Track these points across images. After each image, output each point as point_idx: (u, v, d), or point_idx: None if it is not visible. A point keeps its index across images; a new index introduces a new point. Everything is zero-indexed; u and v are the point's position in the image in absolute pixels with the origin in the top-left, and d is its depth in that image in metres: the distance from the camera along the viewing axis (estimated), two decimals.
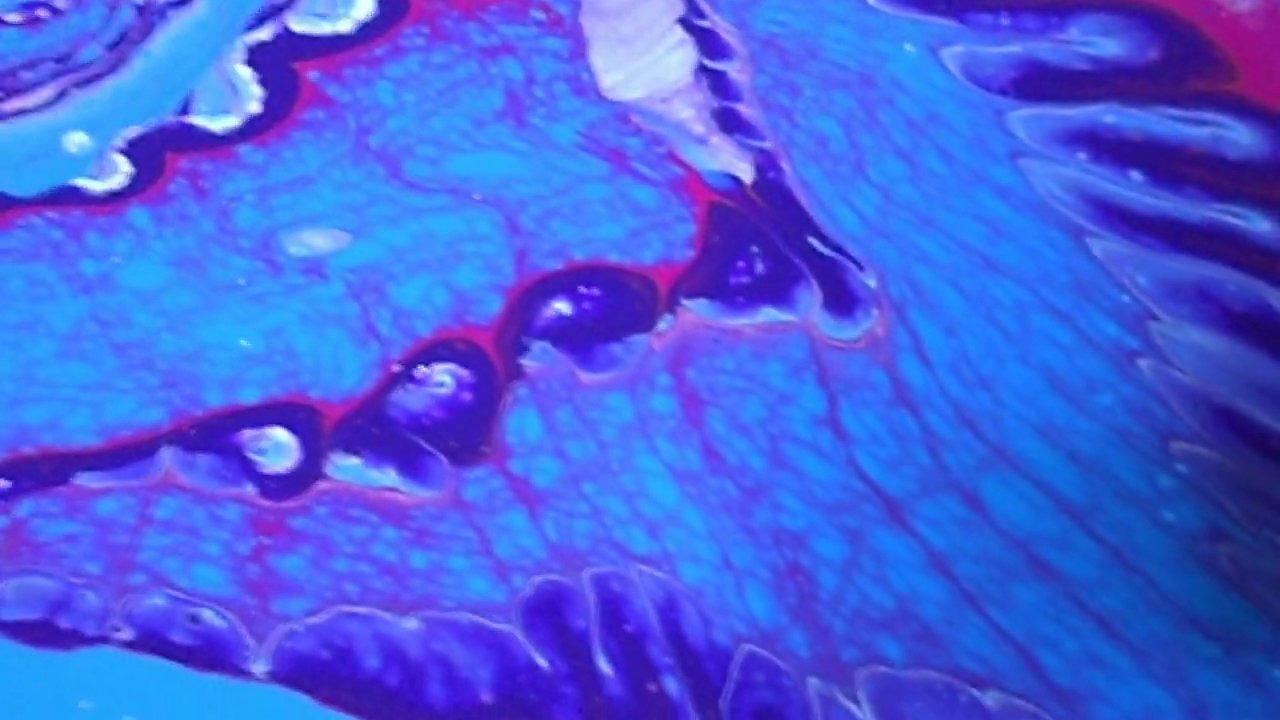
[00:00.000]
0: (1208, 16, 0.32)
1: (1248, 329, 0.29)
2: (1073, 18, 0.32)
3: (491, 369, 0.29)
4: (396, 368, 0.29)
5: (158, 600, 0.26)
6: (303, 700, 0.25)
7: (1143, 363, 0.28)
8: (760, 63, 0.32)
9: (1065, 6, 0.32)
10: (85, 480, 0.28)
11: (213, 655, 0.25)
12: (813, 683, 0.25)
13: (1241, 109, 0.30)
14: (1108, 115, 0.31)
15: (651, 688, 0.25)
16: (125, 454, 0.28)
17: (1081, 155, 0.30)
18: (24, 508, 0.27)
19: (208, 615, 0.26)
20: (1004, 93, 0.31)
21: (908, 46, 0.32)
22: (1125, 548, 0.26)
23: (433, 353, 0.29)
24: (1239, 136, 0.30)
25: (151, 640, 0.26)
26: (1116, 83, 0.31)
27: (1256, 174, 0.30)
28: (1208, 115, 0.30)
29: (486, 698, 0.25)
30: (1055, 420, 0.28)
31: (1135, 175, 0.30)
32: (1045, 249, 0.30)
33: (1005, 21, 0.32)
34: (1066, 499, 0.27)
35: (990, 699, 0.25)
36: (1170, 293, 0.29)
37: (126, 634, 0.26)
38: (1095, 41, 0.32)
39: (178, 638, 0.26)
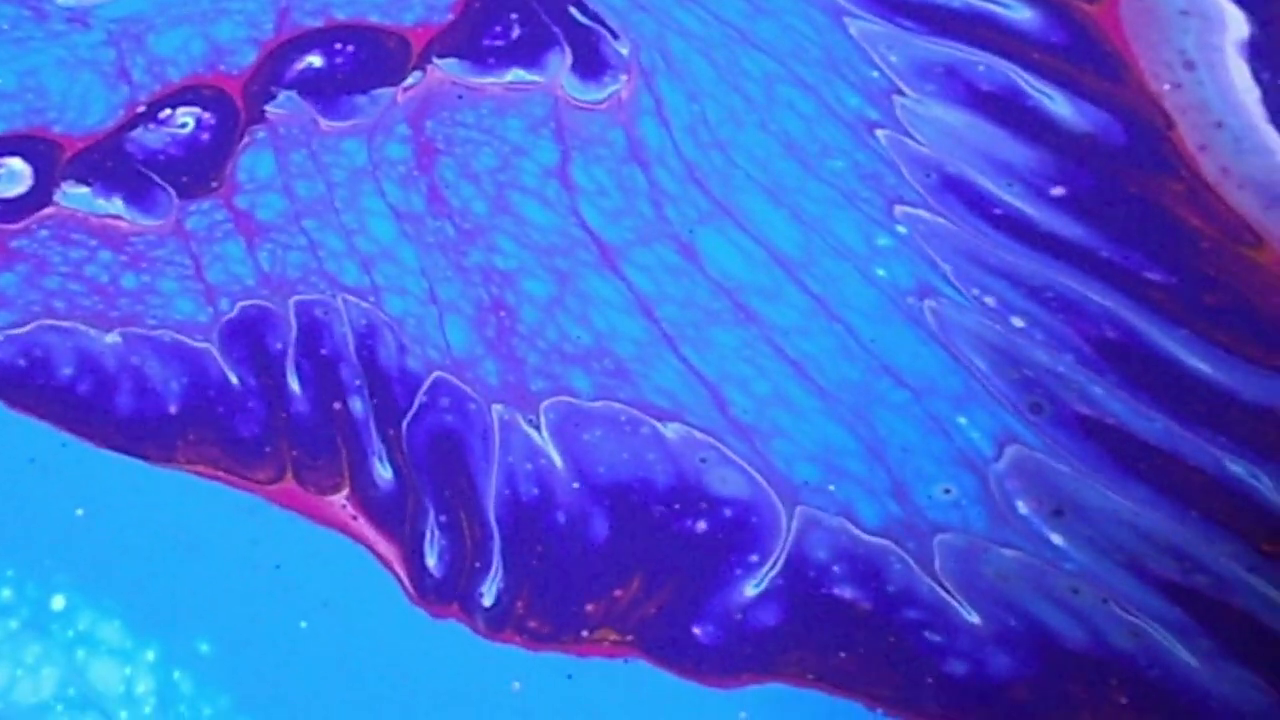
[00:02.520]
0: None
1: (990, 106, 0.28)
2: None
3: (234, 113, 0.29)
4: (142, 106, 0.29)
5: None
6: None
7: (881, 133, 0.28)
8: None
9: None
10: None
11: None
12: (497, 409, 0.25)
13: None
14: None
15: (337, 406, 0.25)
16: None
17: None
18: None
19: None
20: None
21: None
22: (831, 299, 0.26)
23: (180, 97, 0.29)
24: None
25: None
26: None
27: None
28: None
29: (173, 408, 0.25)
30: (784, 181, 0.27)
31: None
32: (802, 26, 0.29)
33: None
34: (781, 253, 0.27)
35: (671, 430, 0.25)
36: (919, 70, 0.29)
37: None
38: None
39: None
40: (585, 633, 0.22)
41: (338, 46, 0.29)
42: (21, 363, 0.26)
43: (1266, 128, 0.28)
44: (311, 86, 0.29)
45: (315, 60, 0.29)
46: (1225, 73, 0.29)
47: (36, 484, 0.24)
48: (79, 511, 0.24)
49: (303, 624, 0.23)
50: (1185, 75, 0.29)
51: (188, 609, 0.23)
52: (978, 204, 0.27)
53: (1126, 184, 0.27)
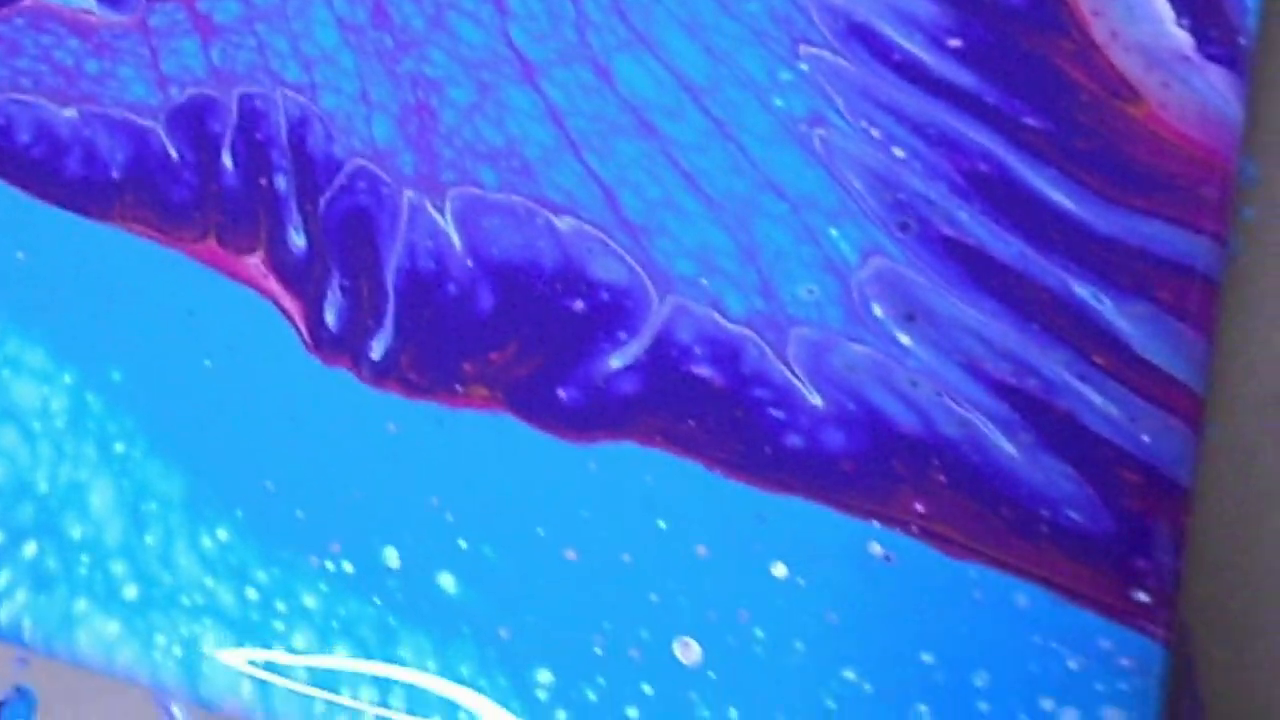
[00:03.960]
0: None
1: None
2: None
3: None
4: None
5: None
6: None
7: None
8: None
9: None
10: None
11: None
12: (408, 194, 0.27)
13: None
14: None
15: (263, 182, 0.27)
16: None
17: None
18: None
19: None
20: None
21: None
22: (729, 122, 0.28)
23: None
24: None
25: None
26: None
27: None
28: None
29: (116, 175, 0.27)
30: (701, 18, 0.29)
31: None
32: None
33: None
34: (689, 79, 0.28)
35: (564, 223, 0.27)
36: None
37: None
38: None
39: None
40: (459, 387, 0.24)
41: None
42: None
43: (1160, 1, 0.29)
44: None
45: None
46: None
47: None
48: (20, 255, 0.26)
49: (207, 362, 0.25)
50: None
51: (105, 343, 0.25)
52: (878, 49, 0.28)
53: (1020, 40, 0.28)
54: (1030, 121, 0.28)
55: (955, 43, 0.29)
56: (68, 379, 0.25)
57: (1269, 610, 0.26)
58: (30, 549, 0.23)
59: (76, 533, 0.23)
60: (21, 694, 0.37)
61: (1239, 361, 0.29)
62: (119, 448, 0.23)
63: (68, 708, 0.37)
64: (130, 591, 0.23)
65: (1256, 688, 0.25)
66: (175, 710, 0.36)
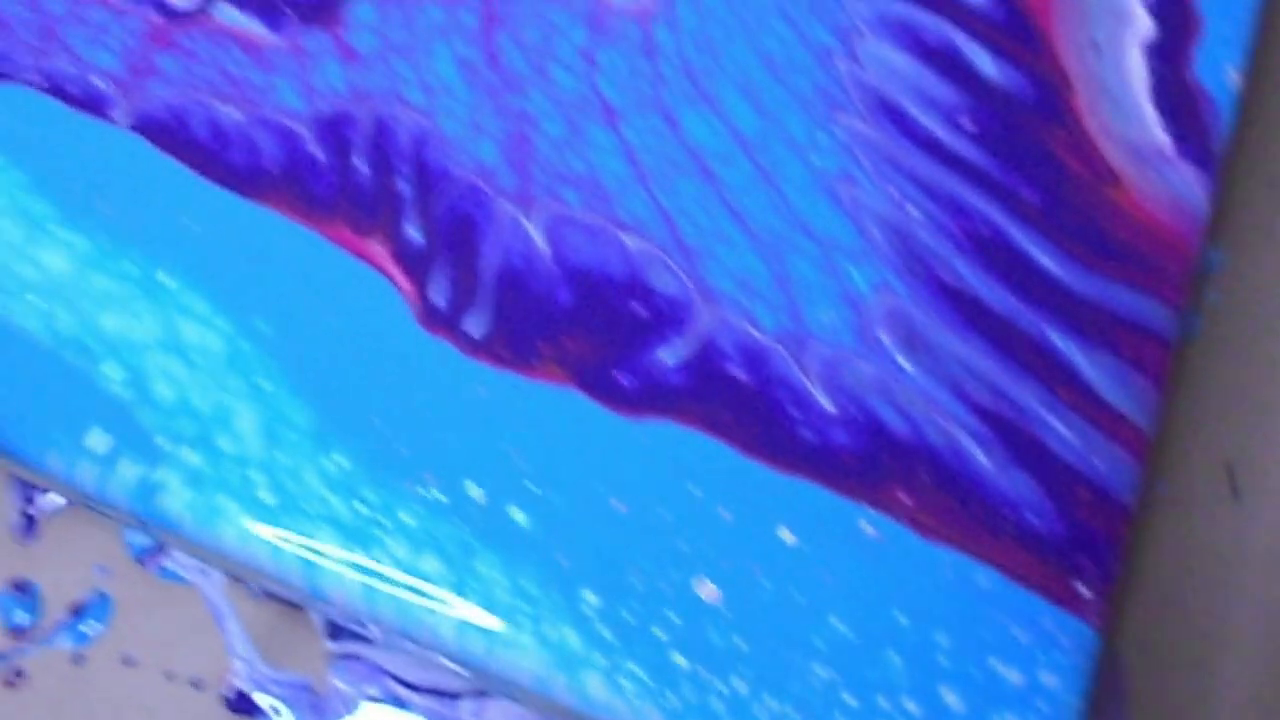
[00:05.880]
0: None
1: (931, 56, 0.35)
2: None
3: None
4: None
5: (65, 65, 0.35)
6: (146, 145, 0.33)
7: (839, 62, 0.35)
8: None
9: None
10: None
11: (93, 105, 0.34)
12: (506, 205, 0.32)
13: None
14: None
15: (388, 184, 0.33)
16: None
17: None
18: None
19: (96, 81, 0.34)
20: None
21: None
22: (773, 172, 0.33)
23: None
24: None
25: (53, 87, 0.34)
26: None
27: None
28: None
29: (271, 167, 0.33)
30: (756, 84, 0.34)
31: None
32: None
33: None
34: (742, 133, 0.34)
35: (631, 241, 0.32)
36: (880, 21, 0.36)
37: (36, 79, 0.34)
38: None
39: (72, 89, 0.34)
40: (537, 364, 0.30)
41: None
42: (168, 119, 0.34)
43: (1147, 104, 0.34)
44: None
45: None
46: (1124, 59, 0.35)
47: (166, 200, 0.32)
48: (190, 223, 0.32)
49: (334, 324, 0.30)
50: (1091, 56, 0.35)
51: (255, 298, 0.30)
52: (902, 124, 0.34)
53: (1024, 128, 0.34)
54: (1026, 195, 0.33)
55: (969, 125, 0.34)
56: (225, 325, 0.30)
57: (1196, 644, 0.31)
58: (189, 454, 0.28)
59: (225, 445, 0.28)
60: (101, 598, 0.42)
61: (1192, 423, 0.34)
62: (263, 384, 0.29)
63: (140, 613, 0.42)
64: (266, 498, 0.28)
65: (1183, 712, 0.30)
66: (230, 624, 0.41)
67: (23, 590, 0.43)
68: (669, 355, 0.30)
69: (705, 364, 0.30)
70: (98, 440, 0.29)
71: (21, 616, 0.42)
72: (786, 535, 0.28)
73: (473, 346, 0.30)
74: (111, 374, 0.30)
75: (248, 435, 0.29)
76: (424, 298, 0.31)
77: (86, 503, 0.31)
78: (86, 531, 0.42)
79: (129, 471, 0.29)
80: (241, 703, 0.40)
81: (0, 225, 0.33)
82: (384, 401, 0.29)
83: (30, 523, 0.43)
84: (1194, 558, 0.31)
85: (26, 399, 0.30)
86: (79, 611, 0.42)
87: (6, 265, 0.32)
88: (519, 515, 0.28)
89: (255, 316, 0.31)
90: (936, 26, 0.36)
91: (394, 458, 0.29)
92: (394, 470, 0.29)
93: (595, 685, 0.28)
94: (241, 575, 0.34)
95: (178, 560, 0.42)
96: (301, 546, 0.28)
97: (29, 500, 0.43)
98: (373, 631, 0.31)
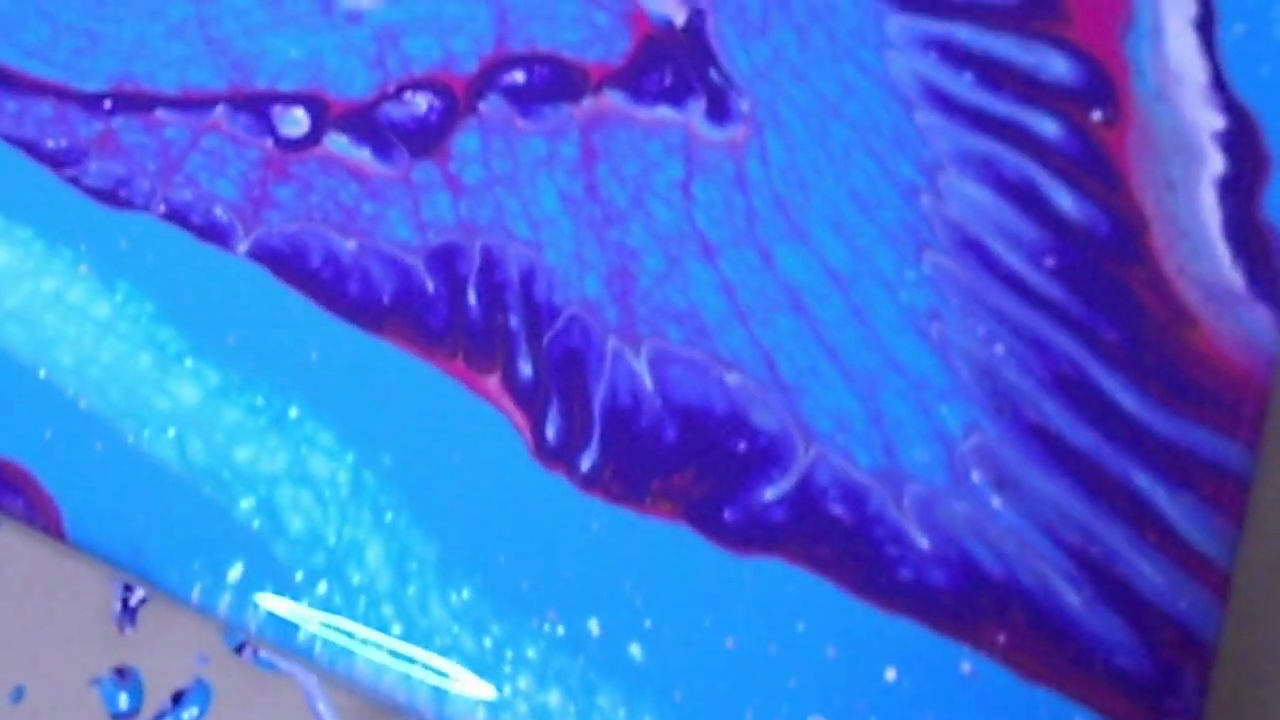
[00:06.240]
0: None
1: (1011, 192, 0.37)
2: None
3: (456, 103, 0.38)
4: (391, 89, 0.39)
5: (188, 194, 0.36)
6: (266, 275, 0.35)
7: (924, 198, 0.36)
8: None
9: None
10: (161, 113, 0.38)
11: (214, 235, 0.35)
12: (611, 341, 0.34)
13: (1065, 47, 0.38)
14: (963, 32, 0.39)
15: (499, 318, 0.34)
16: (192, 103, 0.38)
17: (933, 55, 0.39)
18: (116, 122, 0.38)
19: (217, 210, 0.36)
20: (889, 2, 0.40)
21: None
22: (865, 309, 0.34)
23: (419, 85, 0.39)
24: (1055, 65, 0.38)
25: (177, 216, 0.36)
26: (977, 11, 0.39)
27: (1057, 94, 0.38)
28: (1037, 46, 0.39)
29: (385, 298, 0.34)
30: (846, 220, 0.36)
31: (967, 76, 0.38)
32: (880, 111, 0.38)
33: None
34: (835, 269, 0.35)
35: (732, 378, 0.33)
36: (962, 157, 0.37)
37: (162, 209, 0.36)
38: None
39: (194, 218, 0.36)
40: (648, 500, 0.31)
41: (536, 68, 0.39)
42: (287, 250, 0.35)
43: (1220, 242, 0.36)
44: (514, 93, 0.39)
45: (519, 76, 0.39)
46: (1198, 196, 0.37)
47: (290, 332, 0.34)
48: (313, 355, 0.33)
49: (456, 457, 0.31)
50: (1166, 194, 0.37)
51: (378, 431, 0.32)
52: (987, 261, 0.35)
53: (1103, 266, 0.35)
54: (1107, 334, 0.34)
55: (1050, 262, 0.35)
56: (350, 458, 0.31)
57: None
58: (322, 587, 0.30)
59: (356, 579, 0.30)
60: (200, 686, 0.44)
61: (1264, 547, 0.35)
62: (388, 516, 0.30)
63: (237, 701, 0.43)
64: (396, 630, 0.29)
65: None
66: (322, 709, 0.42)
67: (125, 677, 0.44)
68: (772, 492, 0.32)
69: (806, 501, 0.32)
70: (236, 573, 0.31)
71: (125, 702, 0.43)
72: (890, 674, 0.29)
73: (586, 482, 0.32)
74: (246, 506, 0.32)
75: (376, 567, 0.31)
76: (538, 432, 0.33)
77: (225, 626, 0.33)
78: (186, 620, 0.44)
79: (265, 603, 0.31)
80: None
81: (133, 355, 0.34)
82: (504, 535, 0.31)
83: (131, 612, 0.45)
84: (1268, 670, 0.32)
85: (168, 531, 0.31)
86: (179, 699, 0.43)
87: (141, 396, 0.34)
88: (636, 650, 0.30)
89: (379, 449, 0.32)
90: (1016, 162, 0.37)
91: (516, 591, 0.31)
92: (517, 604, 0.30)
93: None
94: (370, 701, 0.36)
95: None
96: (431, 677, 0.30)
97: (129, 589, 0.44)
98: None
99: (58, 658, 0.42)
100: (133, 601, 0.44)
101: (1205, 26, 0.39)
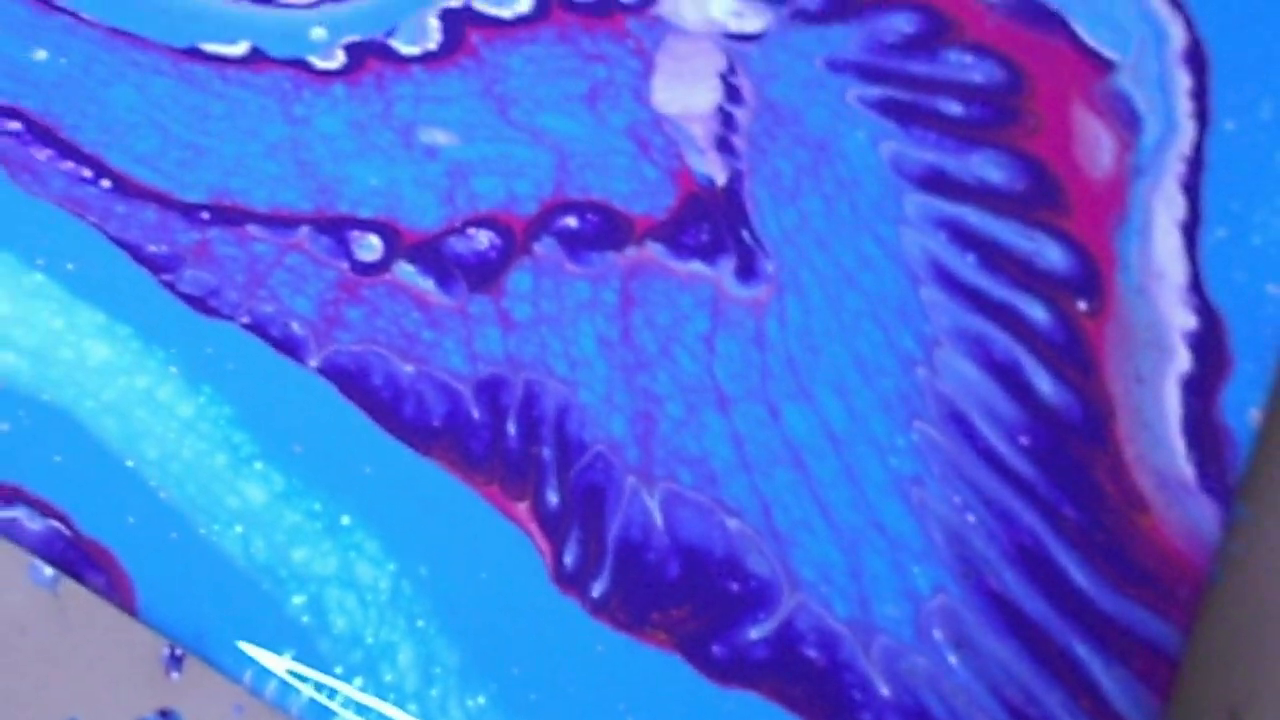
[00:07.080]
0: (1071, 172, 0.44)
1: (998, 372, 0.41)
2: (978, 149, 0.45)
3: (514, 243, 0.43)
4: (458, 223, 0.43)
5: (269, 308, 0.41)
6: (332, 390, 0.39)
7: (920, 370, 0.40)
8: (759, 113, 0.46)
9: (976, 140, 0.45)
10: (252, 229, 0.43)
11: (290, 348, 0.40)
12: (630, 479, 0.38)
13: (1062, 237, 0.42)
14: (972, 216, 0.43)
15: (534, 450, 0.39)
16: (280, 221, 0.43)
17: (943, 235, 0.43)
18: (212, 232, 0.43)
19: (294, 326, 0.41)
20: (910, 180, 0.44)
21: (859, 133, 0.45)
22: (857, 470, 0.39)
23: (483, 222, 0.43)
24: (1050, 254, 0.42)
25: (259, 328, 0.41)
26: (987, 197, 0.44)
27: (1050, 281, 0.42)
28: (1037, 235, 0.43)
29: (437, 423, 0.39)
30: (848, 383, 0.40)
31: (971, 257, 0.42)
32: (890, 284, 0.42)
33: (932, 139, 0.45)
34: (833, 429, 0.39)
35: (732, 524, 0.37)
36: (958, 334, 0.41)
37: (246, 319, 0.41)
38: (987, 169, 0.44)
39: (273, 331, 0.41)
40: (649, 629, 0.35)
41: (588, 216, 0.44)
42: (353, 368, 0.40)
43: (1178, 437, 0.40)
44: (565, 237, 0.43)
45: (572, 221, 0.43)
46: (1163, 392, 0.41)
47: (348, 444, 0.38)
48: (368, 469, 0.38)
49: (483, 575, 0.36)
50: (1135, 386, 0.41)
51: (419, 544, 0.36)
52: (969, 434, 0.39)
53: (1071, 449, 0.39)
54: (1067, 512, 0.38)
55: (1025, 440, 0.39)
56: (392, 566, 0.36)
57: None
58: (358, 683, 0.34)
59: (388, 677, 0.34)
60: None
61: (1204, 667, 0.39)
62: (420, 623, 0.35)
63: None
64: None
65: None
66: None
67: (168, 718, 0.49)
68: (756, 632, 0.36)
69: (785, 643, 0.36)
70: (284, 662, 0.35)
71: None
72: None
73: (595, 607, 0.36)
74: (298, 602, 0.36)
75: (406, 668, 0.35)
76: (558, 558, 0.37)
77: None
78: None
79: (308, 691, 0.35)
80: None
81: (211, 454, 0.39)
82: (520, 649, 0.35)
83: (177, 660, 0.49)
84: None
85: (228, 618, 0.36)
86: None
87: (215, 493, 0.38)
88: None
89: (418, 561, 0.37)
90: (1006, 344, 0.41)
91: (525, 701, 0.35)
92: (525, 712, 0.35)
93: None
94: None
95: None
96: None
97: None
98: None
99: (109, 695, 0.47)
100: (179, 650, 0.49)
101: (1190, 228, 0.43)
